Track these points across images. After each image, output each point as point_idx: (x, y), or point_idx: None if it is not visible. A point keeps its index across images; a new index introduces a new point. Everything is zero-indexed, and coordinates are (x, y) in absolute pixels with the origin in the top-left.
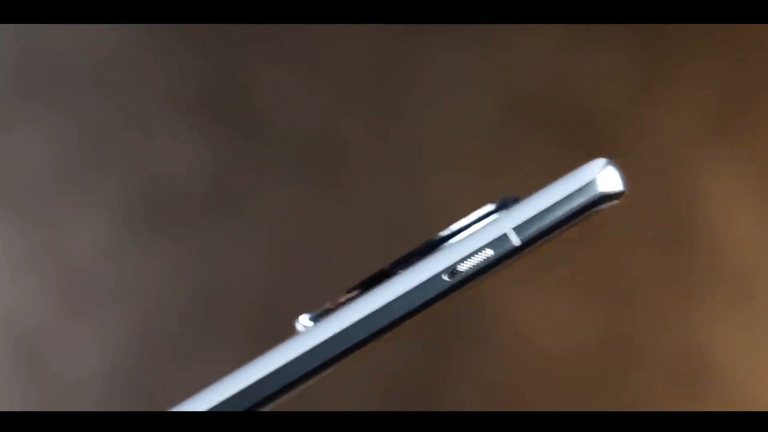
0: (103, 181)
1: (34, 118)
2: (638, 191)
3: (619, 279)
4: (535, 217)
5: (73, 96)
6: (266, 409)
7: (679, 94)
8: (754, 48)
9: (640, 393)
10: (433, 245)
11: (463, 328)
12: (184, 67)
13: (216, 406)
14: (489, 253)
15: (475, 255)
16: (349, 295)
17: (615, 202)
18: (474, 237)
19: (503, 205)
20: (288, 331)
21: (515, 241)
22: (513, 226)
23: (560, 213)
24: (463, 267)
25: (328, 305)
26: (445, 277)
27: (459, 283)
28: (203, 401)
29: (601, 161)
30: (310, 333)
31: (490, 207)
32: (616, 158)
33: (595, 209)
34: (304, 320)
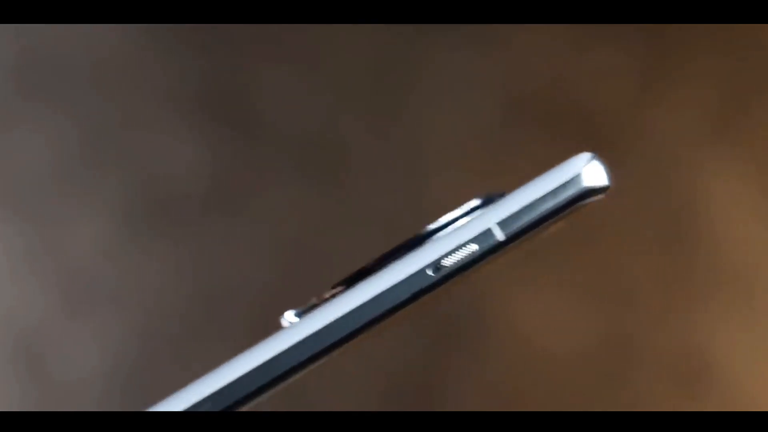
0: (103, 181)
1: (34, 118)
2: (638, 191)
3: (619, 279)
4: (519, 212)
5: (73, 96)
6: (250, 405)
7: (680, 94)
8: (754, 48)
9: (640, 393)
10: (418, 240)
11: (463, 328)
12: (184, 67)
13: (197, 404)
14: (473, 248)
15: (460, 250)
16: (334, 291)
17: (600, 196)
18: (458, 232)
19: (489, 201)
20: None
21: (499, 236)
22: (497, 221)
23: (545, 207)
24: (447, 262)
25: (313, 301)
26: (430, 272)
27: (443, 278)
28: (183, 399)
29: (586, 155)
30: (295, 328)
31: (476, 202)
32: (616, 158)
33: (580, 204)
34: (289, 316)
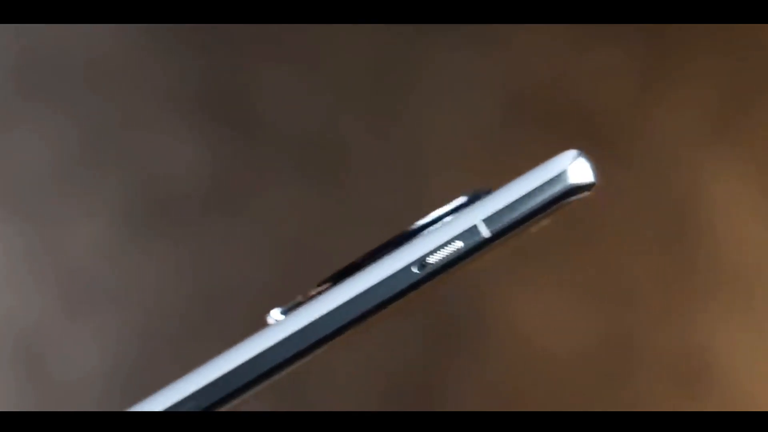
0: (102, 181)
1: (34, 118)
2: (638, 191)
3: (619, 279)
4: (505, 209)
5: (72, 96)
6: (234, 403)
7: (680, 94)
8: (754, 48)
9: (640, 393)
10: (404, 237)
11: (463, 328)
12: (184, 67)
13: (179, 403)
14: (459, 245)
15: (445, 247)
16: (320, 288)
17: (586, 193)
18: (444, 229)
19: (476, 198)
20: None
21: (485, 232)
22: (483, 217)
23: (531, 204)
24: (432, 259)
25: (299, 298)
26: (415, 269)
27: (429, 275)
28: (165, 397)
29: (572, 153)
30: (280, 326)
31: (462, 199)
32: (616, 158)
33: (566, 201)
34: (275, 314)
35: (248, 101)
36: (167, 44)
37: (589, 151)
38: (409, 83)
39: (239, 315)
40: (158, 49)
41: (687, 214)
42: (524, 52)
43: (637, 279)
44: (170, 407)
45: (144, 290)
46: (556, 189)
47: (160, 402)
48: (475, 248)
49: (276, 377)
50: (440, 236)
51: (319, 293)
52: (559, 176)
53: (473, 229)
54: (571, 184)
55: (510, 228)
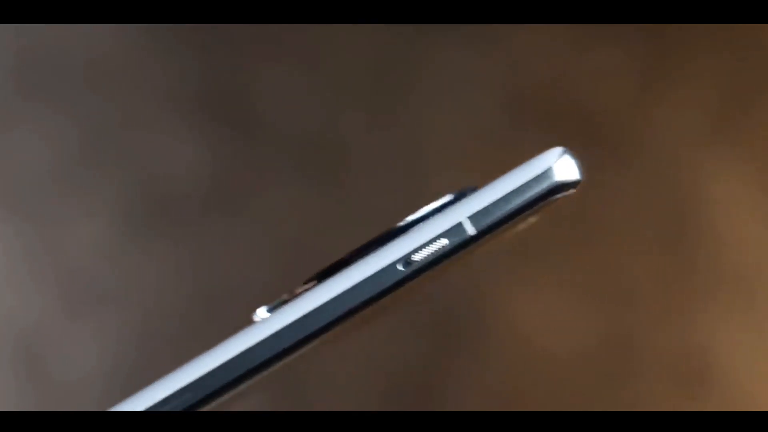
0: (102, 181)
1: (34, 118)
2: (638, 191)
3: (619, 279)
4: (490, 206)
5: (72, 96)
6: (217, 403)
7: (680, 94)
8: (754, 48)
9: (640, 393)
10: (390, 235)
11: (463, 328)
12: (184, 67)
13: (160, 403)
14: (444, 242)
15: (430, 244)
16: (306, 286)
17: (572, 191)
18: (429, 226)
19: (461, 195)
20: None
21: (470, 230)
22: (468, 215)
23: (516, 202)
24: (417, 257)
25: (284, 296)
26: (400, 267)
27: (414, 272)
28: (144, 398)
29: (557, 150)
30: (264, 324)
31: (448, 197)
32: (616, 158)
33: (551, 198)
34: (261, 312)
35: (248, 101)
36: (167, 44)
37: (589, 151)
38: (409, 83)
39: (239, 315)
40: (158, 49)
41: (687, 214)
42: (524, 52)
43: (637, 279)
44: (152, 406)
45: (144, 290)
46: (542, 186)
47: (140, 402)
48: (460, 246)
49: (261, 375)
50: (425, 234)
51: (305, 291)
52: (545, 173)
53: (458, 227)
54: (556, 182)
55: (496, 225)
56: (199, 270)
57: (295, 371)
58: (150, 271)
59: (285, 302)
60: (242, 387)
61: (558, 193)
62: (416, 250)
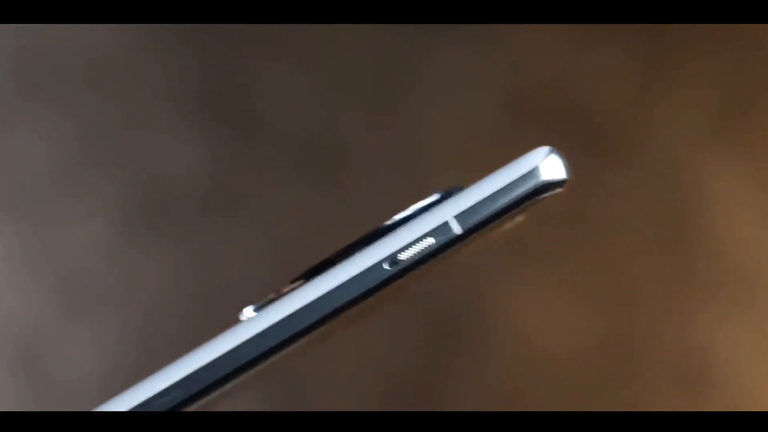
0: (102, 182)
1: (34, 118)
2: (638, 191)
3: (620, 279)
4: (476, 206)
5: (72, 96)
6: (201, 402)
7: (680, 94)
8: (754, 48)
9: (640, 393)
10: (377, 234)
11: (463, 328)
12: (184, 67)
13: (142, 404)
14: (430, 241)
15: (417, 243)
16: (293, 285)
17: (558, 190)
18: (416, 225)
19: (448, 194)
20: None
21: (456, 229)
22: (454, 214)
23: (503, 201)
24: (404, 256)
25: (271, 296)
26: (386, 266)
27: (400, 271)
28: (129, 397)
29: (544, 149)
30: (251, 323)
31: (435, 196)
32: (616, 158)
33: (538, 197)
34: (247, 311)
35: (248, 101)
36: (167, 44)
37: (589, 151)
38: (409, 83)
39: (239, 315)
40: (158, 49)
41: (687, 214)
42: (524, 52)
43: (637, 279)
44: (136, 406)
45: (144, 290)
46: (528, 186)
47: (126, 401)
48: (446, 245)
49: (248, 374)
50: (412, 233)
51: (291, 290)
52: (531, 173)
53: (445, 226)
54: (543, 181)
55: (482, 224)
56: (199, 270)
57: (295, 371)
58: (150, 271)
59: (272, 301)
60: (229, 386)
61: (545, 192)
62: (402, 249)
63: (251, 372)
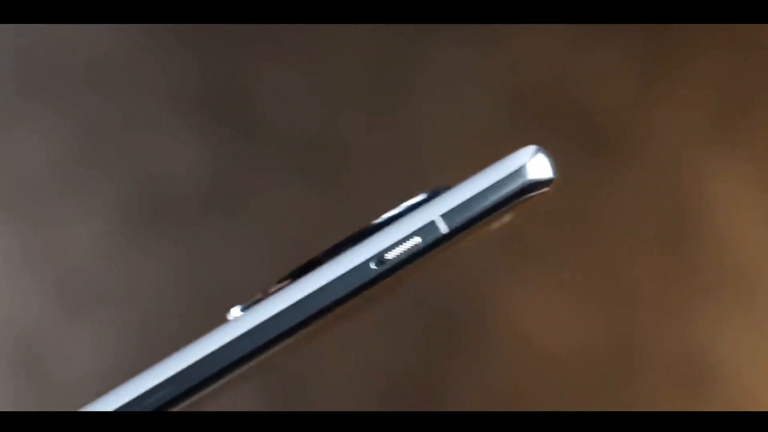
0: (102, 182)
1: (33, 118)
2: (639, 191)
3: (620, 279)
4: (463, 205)
5: (72, 96)
6: (187, 403)
7: (680, 94)
8: (754, 48)
9: (640, 393)
10: (364, 233)
11: (463, 328)
12: (184, 67)
13: (126, 405)
14: (417, 240)
15: (403, 243)
16: (279, 285)
17: (545, 189)
18: (402, 225)
19: (435, 194)
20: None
21: (443, 228)
22: (441, 213)
23: (489, 200)
24: (390, 255)
25: (258, 295)
26: (373, 265)
27: (387, 271)
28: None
29: (531, 148)
30: (237, 322)
31: (422, 196)
32: (616, 158)
33: (525, 197)
34: (235, 311)
35: (248, 101)
36: (167, 44)
37: (589, 151)
38: (409, 83)
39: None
40: (158, 49)
41: (688, 214)
42: (524, 52)
43: (637, 279)
44: (122, 406)
45: (143, 290)
46: (515, 185)
47: (112, 401)
48: (433, 244)
49: (235, 374)
50: (398, 232)
51: (278, 289)
52: (518, 172)
53: (431, 225)
54: (529, 180)
55: (469, 224)
56: (198, 270)
57: (295, 371)
58: (150, 271)
59: (259, 301)
60: (216, 385)
61: (531, 191)
62: (389, 249)
63: (238, 372)
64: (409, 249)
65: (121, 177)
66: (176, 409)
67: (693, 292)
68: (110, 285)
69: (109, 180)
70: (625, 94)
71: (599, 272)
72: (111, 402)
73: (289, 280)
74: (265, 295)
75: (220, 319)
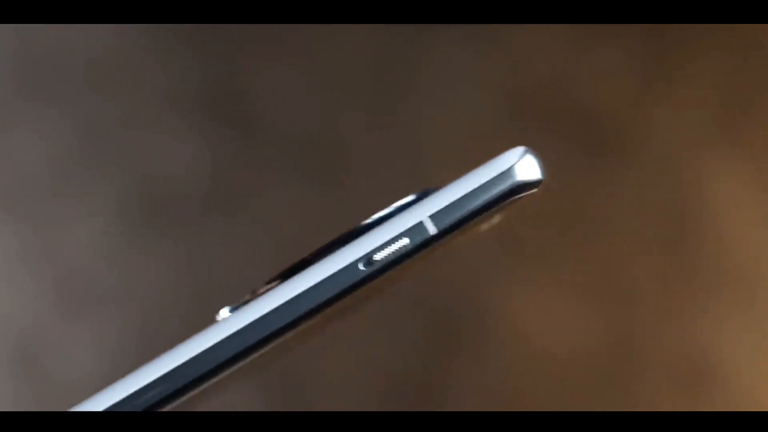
0: (101, 181)
1: (33, 118)
2: (639, 191)
3: (620, 279)
4: (451, 206)
5: (72, 96)
6: (180, 401)
7: (680, 94)
8: (754, 48)
9: (641, 393)
10: (352, 234)
11: (463, 328)
12: (184, 67)
13: (115, 405)
14: (405, 241)
15: (392, 244)
16: (268, 286)
17: (534, 190)
18: (391, 226)
19: (424, 195)
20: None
21: (431, 229)
22: (429, 214)
23: (478, 202)
24: (379, 256)
25: (247, 297)
26: (361, 266)
27: (376, 272)
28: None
29: (519, 149)
30: (225, 323)
31: (411, 197)
32: (617, 158)
33: (513, 198)
34: (223, 312)
35: (248, 101)
36: (167, 44)
37: (589, 151)
38: (409, 83)
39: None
40: (158, 49)
41: (688, 214)
42: (524, 52)
43: (637, 279)
44: (111, 406)
45: (143, 290)
46: (504, 186)
47: (101, 402)
48: (421, 245)
49: (223, 374)
50: (386, 233)
51: (267, 290)
52: (506, 173)
53: (419, 226)
54: (518, 181)
55: (457, 225)
56: (199, 270)
57: (294, 371)
58: (149, 271)
59: (248, 302)
60: (204, 386)
61: (520, 192)
62: (377, 250)
63: (226, 372)
64: (397, 250)
65: (121, 177)
66: (166, 409)
67: (693, 292)
68: (110, 285)
69: (109, 180)
70: (625, 94)
71: (599, 272)
72: (99, 402)
73: (277, 281)
74: (253, 295)
75: None
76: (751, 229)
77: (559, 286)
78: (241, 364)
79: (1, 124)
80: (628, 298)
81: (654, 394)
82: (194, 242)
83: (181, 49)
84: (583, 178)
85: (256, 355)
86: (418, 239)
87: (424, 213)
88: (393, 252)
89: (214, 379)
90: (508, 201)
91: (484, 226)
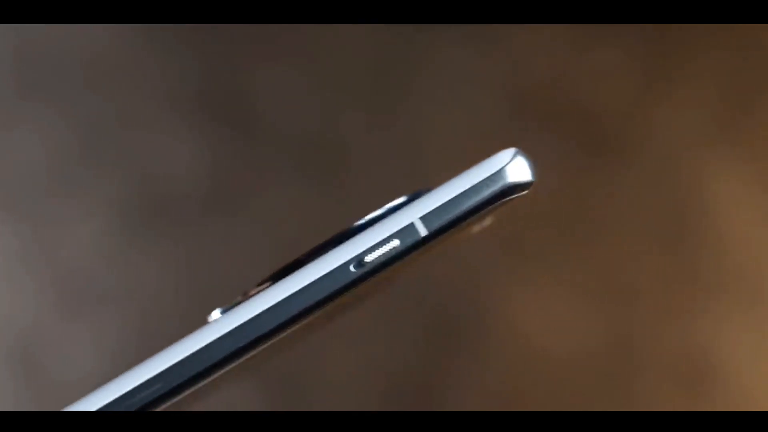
0: (101, 181)
1: (33, 118)
2: (639, 191)
3: (620, 279)
4: (442, 207)
5: (71, 96)
6: (172, 401)
7: (680, 94)
8: (754, 48)
9: (641, 393)
10: (343, 236)
11: (463, 328)
12: (183, 67)
13: (107, 405)
14: (396, 243)
15: (382, 245)
16: (260, 288)
17: (525, 192)
18: (381, 227)
19: (415, 196)
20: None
21: (422, 231)
22: (420, 216)
23: (469, 203)
24: (370, 257)
25: (239, 298)
26: (352, 268)
27: (366, 273)
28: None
29: (510, 151)
30: (215, 325)
31: (402, 198)
32: (617, 158)
33: (504, 199)
34: (215, 314)
35: (248, 101)
36: (167, 44)
37: (589, 151)
38: (409, 83)
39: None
40: (158, 49)
41: (688, 214)
42: (524, 52)
43: (637, 279)
44: (103, 407)
45: (143, 290)
46: (494, 187)
47: (92, 402)
48: (412, 246)
49: (215, 375)
50: (377, 234)
51: (258, 292)
52: (497, 174)
53: (410, 228)
54: (509, 183)
55: (448, 226)
56: (198, 270)
57: (294, 371)
58: (149, 271)
59: (239, 303)
60: (196, 387)
61: (511, 194)
62: (368, 251)
63: (217, 374)
64: (388, 251)
65: (121, 177)
66: (159, 409)
67: (693, 292)
68: (110, 285)
69: (109, 180)
70: (625, 94)
71: (599, 272)
72: (91, 403)
73: (269, 283)
74: (245, 297)
75: None
76: (751, 229)
77: (559, 286)
78: (232, 365)
79: (1, 124)
80: (628, 298)
81: (654, 394)
82: (194, 242)
83: (181, 49)
84: (583, 178)
85: (247, 356)
86: (409, 241)
87: (414, 215)
88: (384, 254)
89: (205, 381)
90: (499, 202)
91: (476, 227)
